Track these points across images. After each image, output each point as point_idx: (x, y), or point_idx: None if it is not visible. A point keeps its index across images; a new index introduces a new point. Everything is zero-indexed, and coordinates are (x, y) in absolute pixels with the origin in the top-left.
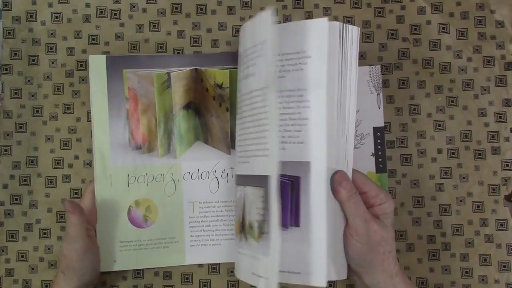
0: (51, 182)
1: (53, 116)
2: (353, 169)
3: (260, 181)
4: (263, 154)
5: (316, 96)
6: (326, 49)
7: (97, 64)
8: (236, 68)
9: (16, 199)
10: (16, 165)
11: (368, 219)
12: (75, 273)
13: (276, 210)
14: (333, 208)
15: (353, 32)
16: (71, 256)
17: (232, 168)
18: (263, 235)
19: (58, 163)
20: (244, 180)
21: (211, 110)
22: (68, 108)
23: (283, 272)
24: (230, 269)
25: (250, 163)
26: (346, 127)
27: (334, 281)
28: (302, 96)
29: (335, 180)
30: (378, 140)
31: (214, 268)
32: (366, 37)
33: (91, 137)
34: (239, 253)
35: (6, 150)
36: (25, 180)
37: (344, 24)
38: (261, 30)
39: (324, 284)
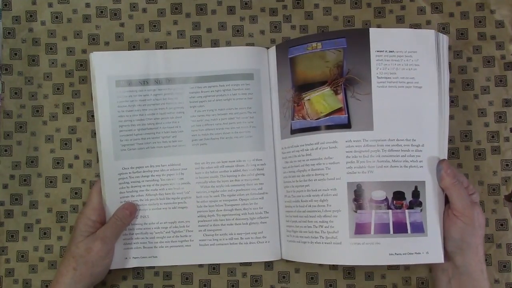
0: (51, 182)
1: (53, 116)
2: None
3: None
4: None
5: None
6: (434, 57)
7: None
8: None
9: (16, 199)
10: (16, 165)
11: (472, 202)
12: (90, 270)
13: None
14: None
15: (444, 40)
16: (99, 253)
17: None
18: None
19: (58, 163)
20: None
21: None
22: (68, 108)
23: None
24: (230, 269)
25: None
26: (443, 123)
27: (334, 281)
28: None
29: (442, 168)
30: None
31: (214, 268)
32: None
33: (91, 137)
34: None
35: (6, 150)
36: (25, 180)
37: (437, 32)
38: None
39: (442, 260)
